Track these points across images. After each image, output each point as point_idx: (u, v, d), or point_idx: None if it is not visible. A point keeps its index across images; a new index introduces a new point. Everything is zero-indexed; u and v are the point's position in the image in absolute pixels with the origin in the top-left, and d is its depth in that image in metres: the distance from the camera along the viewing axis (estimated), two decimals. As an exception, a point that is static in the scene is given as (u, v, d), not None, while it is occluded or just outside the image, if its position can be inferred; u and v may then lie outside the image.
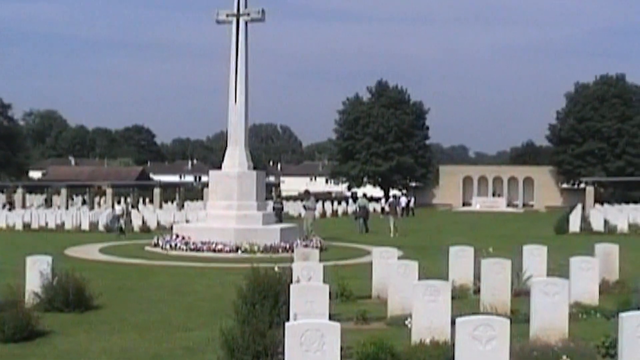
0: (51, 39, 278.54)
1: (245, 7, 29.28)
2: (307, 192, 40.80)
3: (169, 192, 78.29)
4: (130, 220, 42.38)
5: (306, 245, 25.68)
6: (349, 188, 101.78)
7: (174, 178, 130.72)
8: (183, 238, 27.69)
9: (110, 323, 13.23)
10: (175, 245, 27.24)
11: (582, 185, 79.27)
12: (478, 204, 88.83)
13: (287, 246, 26.24)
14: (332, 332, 7.27)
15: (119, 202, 41.98)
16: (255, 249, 26.09)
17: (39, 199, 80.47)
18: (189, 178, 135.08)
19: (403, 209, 59.09)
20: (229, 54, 29.40)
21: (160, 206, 63.35)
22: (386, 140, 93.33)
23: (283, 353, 7.52)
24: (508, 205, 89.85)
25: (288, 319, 10.17)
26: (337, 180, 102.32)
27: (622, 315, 8.05)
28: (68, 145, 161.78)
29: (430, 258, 20.35)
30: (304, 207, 37.34)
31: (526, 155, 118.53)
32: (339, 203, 75.32)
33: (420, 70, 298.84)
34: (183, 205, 64.43)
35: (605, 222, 42.32)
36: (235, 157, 29.33)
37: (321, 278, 13.36)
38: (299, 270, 13.56)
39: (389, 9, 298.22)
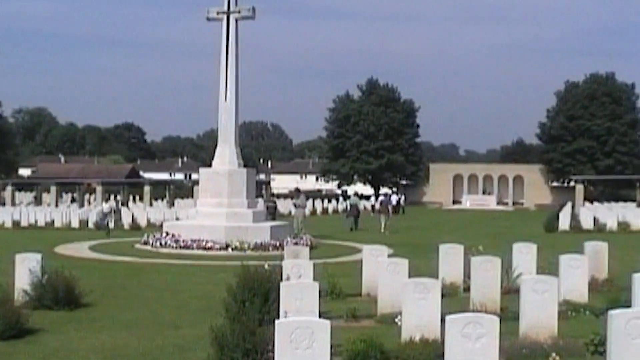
0: (41, 36, 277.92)
1: (236, 4, 29.29)
2: (297, 190, 40.83)
3: (159, 190, 78.07)
4: (120, 218, 42.32)
5: (296, 243, 25.70)
6: (339, 186, 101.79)
7: (164, 176, 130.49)
8: (173, 236, 27.68)
9: (100, 321, 13.22)
10: (166, 243, 27.23)
11: (572, 184, 79.44)
12: (468, 202, 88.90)
13: (278, 244, 26.25)
14: (322, 329, 7.28)
15: (107, 200, 41.77)
16: (245, 247, 26.09)
17: (28, 196, 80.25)
18: (179, 176, 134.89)
19: (394, 207, 59.10)
20: (220, 51, 29.39)
21: (151, 204, 63.22)
22: (376, 138, 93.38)
23: (273, 351, 7.52)
24: (498, 203, 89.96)
25: (278, 317, 10.17)
26: (327, 178, 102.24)
27: (611, 312, 8.07)
28: (58, 143, 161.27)
29: (420, 256, 20.37)
30: (294, 205, 37.35)
31: (516, 153, 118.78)
32: (329, 201, 75.30)
33: (411, 68, 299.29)
34: (173, 203, 64.34)
35: (595, 220, 42.46)
36: (226, 154, 29.32)
37: (311, 276, 13.37)
38: (289, 268, 13.56)
39: (379, 7, 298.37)
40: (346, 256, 25.30)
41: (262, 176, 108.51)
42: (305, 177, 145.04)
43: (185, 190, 79.95)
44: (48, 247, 26.51)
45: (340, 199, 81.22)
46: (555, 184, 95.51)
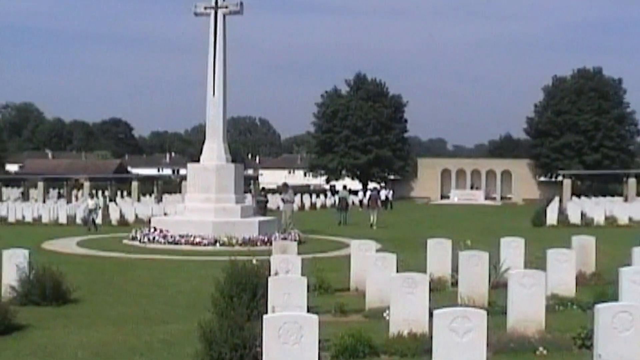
0: (28, 31, 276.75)
1: (223, -1, 29.24)
2: (285, 185, 40.73)
3: (147, 185, 77.93)
4: (108, 214, 42.21)
5: (285, 238, 25.66)
6: (328, 181, 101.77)
7: (152, 171, 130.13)
8: (161, 231, 27.63)
9: (87, 316, 13.20)
10: (154, 238, 27.17)
11: (560, 178, 79.71)
12: (456, 196, 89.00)
13: (266, 239, 26.23)
14: (310, 324, 7.28)
15: (91, 196, 41.62)
16: (233, 242, 26.06)
17: (15, 192, 79.93)
18: (167, 171, 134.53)
19: (383, 201, 59.14)
20: (207, 46, 29.32)
21: (138, 199, 63.15)
22: (364, 133, 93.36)
23: (261, 346, 7.51)
24: (486, 198, 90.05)
25: (266, 312, 10.17)
26: (315, 173, 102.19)
27: (598, 306, 8.10)
28: (45, 139, 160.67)
29: (408, 251, 20.40)
30: (282, 200, 37.30)
31: (504, 148, 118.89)
32: (318, 196, 75.29)
33: (399, 63, 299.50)
34: (161, 199, 64.27)
35: (582, 214, 42.59)
36: (214, 150, 29.27)
37: (299, 271, 13.37)
38: (277, 263, 13.57)
39: (367, 2, 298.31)
40: (334, 251, 25.32)
41: (250, 171, 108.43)
42: (294, 172, 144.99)
43: (173, 185, 79.89)
44: (35, 243, 26.41)
45: (329, 194, 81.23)
46: (543, 178, 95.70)
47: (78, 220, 39.93)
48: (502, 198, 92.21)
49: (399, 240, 28.49)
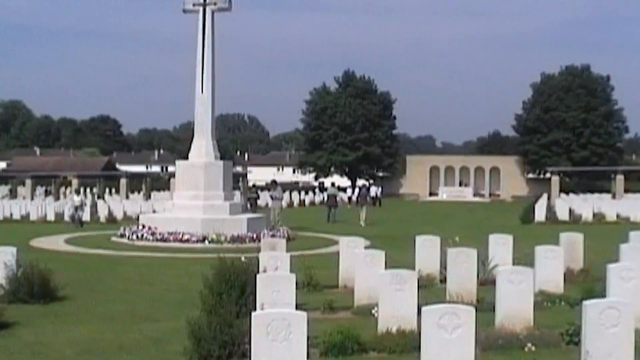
0: (15, 28, 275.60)
1: (212, -4, 29.18)
2: (274, 182, 40.72)
3: (136, 183, 77.67)
4: (96, 211, 42.10)
5: (273, 235, 25.68)
6: (316, 178, 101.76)
7: (140, 168, 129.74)
8: (150, 228, 27.57)
9: (75, 314, 13.16)
10: (142, 235, 27.13)
11: (548, 175, 79.77)
12: (445, 193, 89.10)
13: (254, 236, 26.22)
14: (299, 321, 7.28)
15: (77, 192, 41.41)
16: (222, 239, 26.03)
17: (3, 189, 79.57)
18: (156, 168, 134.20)
19: (373, 198, 59.18)
20: (196, 43, 29.28)
21: (127, 196, 62.94)
22: (353, 130, 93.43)
23: (250, 343, 7.51)
24: (474, 195, 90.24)
25: (255, 309, 10.16)
26: (304, 170, 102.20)
27: (586, 303, 8.13)
28: (33, 136, 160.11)
29: (397, 248, 20.40)
30: (271, 197, 37.31)
31: (492, 145, 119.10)
32: (306, 193, 75.32)
33: (388, 60, 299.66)
34: (150, 196, 64.07)
35: (570, 211, 42.73)
36: (202, 147, 29.23)
37: (288, 268, 13.38)
38: (265, 260, 13.56)
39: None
40: (323, 248, 25.31)
41: (239, 168, 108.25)
42: (282, 169, 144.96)
43: (162, 182, 79.63)
44: (23, 241, 26.32)
45: (317, 191, 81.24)
46: (531, 175, 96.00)
47: (66, 218, 39.79)
48: (490, 195, 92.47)
49: (388, 237, 28.50)
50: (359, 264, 13.48)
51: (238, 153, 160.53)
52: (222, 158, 30.35)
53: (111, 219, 40.26)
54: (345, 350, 9.68)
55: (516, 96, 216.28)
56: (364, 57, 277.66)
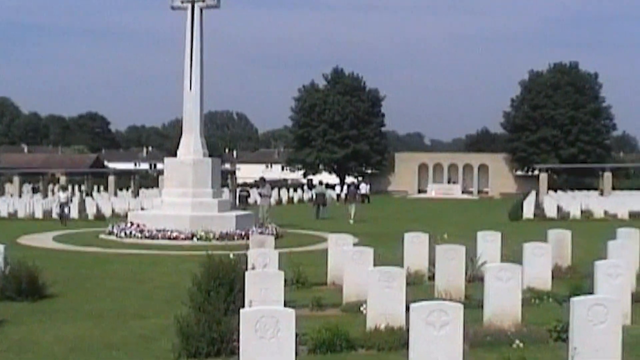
0: (3, 25, 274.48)
1: (201, -7, 29.12)
2: (262, 179, 40.67)
3: (124, 180, 77.62)
4: (85, 209, 41.99)
5: (262, 232, 25.66)
6: (305, 175, 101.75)
7: (128, 165, 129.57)
8: (138, 226, 27.53)
9: (63, 312, 13.13)
10: (130, 233, 27.08)
11: (536, 172, 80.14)
12: (433, 190, 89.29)
13: (243, 233, 26.22)
14: (287, 318, 7.27)
15: (63, 189, 41.27)
16: (210, 237, 26.02)
17: (-9, 187, 79.38)
18: (144, 165, 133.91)
19: (363, 195, 59.19)
20: (184, 40, 29.23)
21: (115, 194, 62.89)
22: (342, 128, 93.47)
23: (238, 340, 7.50)
24: (463, 192, 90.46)
25: (243, 306, 10.16)
26: (293, 167, 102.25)
27: (574, 300, 8.15)
28: (21, 133, 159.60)
29: (385, 245, 20.42)
30: (260, 194, 37.29)
31: (481, 142, 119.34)
32: (295, 190, 75.32)
33: (376, 57, 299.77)
34: (138, 193, 64.06)
35: (558, 208, 42.85)
36: (191, 144, 29.19)
37: (276, 265, 13.38)
38: (254, 258, 13.56)
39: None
40: (312, 245, 25.32)
41: (228, 166, 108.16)
42: (271, 166, 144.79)
43: (150, 180, 79.70)
44: (11, 238, 26.23)
45: (306, 188, 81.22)
46: (519, 172, 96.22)
47: (54, 215, 39.68)
48: (479, 192, 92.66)
49: (376, 235, 28.53)
50: (348, 261, 13.48)
51: (227, 150, 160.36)
52: (210, 155, 30.30)
53: (99, 217, 40.17)
54: (334, 347, 9.69)
55: (505, 94, 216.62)
56: (352, 54, 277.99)
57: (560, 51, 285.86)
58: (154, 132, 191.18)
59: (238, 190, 43.75)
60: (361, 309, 11.62)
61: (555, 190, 69.97)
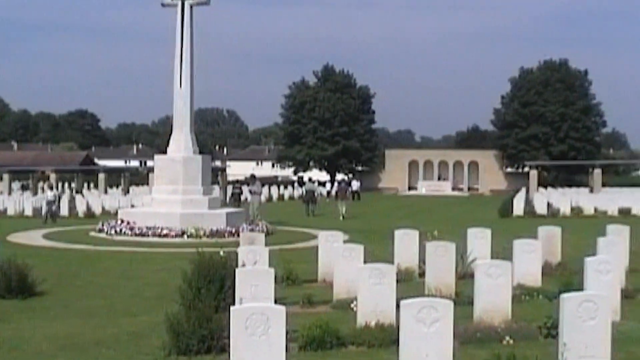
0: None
1: (191, -10, 29.06)
2: (252, 176, 40.64)
3: (114, 177, 77.43)
4: (75, 206, 41.89)
5: (252, 230, 25.64)
6: (295, 172, 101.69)
7: (119, 163, 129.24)
8: (128, 223, 27.49)
9: (53, 309, 13.10)
10: (121, 230, 27.03)
11: (526, 169, 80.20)
12: (424, 187, 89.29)
13: (233, 230, 26.21)
14: (278, 315, 7.27)
15: (51, 188, 41.17)
16: (201, 234, 25.99)
17: (-20, 184, 79.09)
18: (134, 163, 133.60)
19: (353, 192, 59.17)
20: (174, 37, 29.18)
21: (105, 191, 62.76)
22: (332, 125, 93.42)
23: (229, 337, 7.50)
24: (453, 189, 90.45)
25: (234, 303, 10.15)
26: (283, 164, 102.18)
27: (564, 296, 8.16)
28: (10, 130, 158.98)
29: (376, 242, 20.45)
30: (250, 191, 37.26)
31: (471, 139, 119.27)
32: (285, 187, 75.27)
33: (367, 54, 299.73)
34: (128, 190, 63.88)
35: (549, 205, 42.96)
36: (181, 141, 29.14)
37: (267, 262, 13.38)
38: (244, 255, 13.56)
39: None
40: (302, 242, 25.34)
41: (218, 163, 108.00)
42: (261, 163, 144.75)
43: (141, 177, 79.43)
44: (0, 236, 26.19)
45: (296, 185, 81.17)
46: (509, 169, 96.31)
47: (44, 213, 39.55)
48: (469, 189, 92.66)
49: (367, 232, 28.56)
50: (338, 258, 13.49)
51: (217, 147, 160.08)
52: (201, 152, 30.27)
53: (89, 214, 40.11)
54: (324, 344, 9.69)
55: (495, 91, 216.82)
56: (343, 51, 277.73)
57: (550, 48, 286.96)
58: (144, 129, 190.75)
59: (231, 187, 43.61)
60: (351, 305, 11.62)
61: (546, 187, 70.10)
